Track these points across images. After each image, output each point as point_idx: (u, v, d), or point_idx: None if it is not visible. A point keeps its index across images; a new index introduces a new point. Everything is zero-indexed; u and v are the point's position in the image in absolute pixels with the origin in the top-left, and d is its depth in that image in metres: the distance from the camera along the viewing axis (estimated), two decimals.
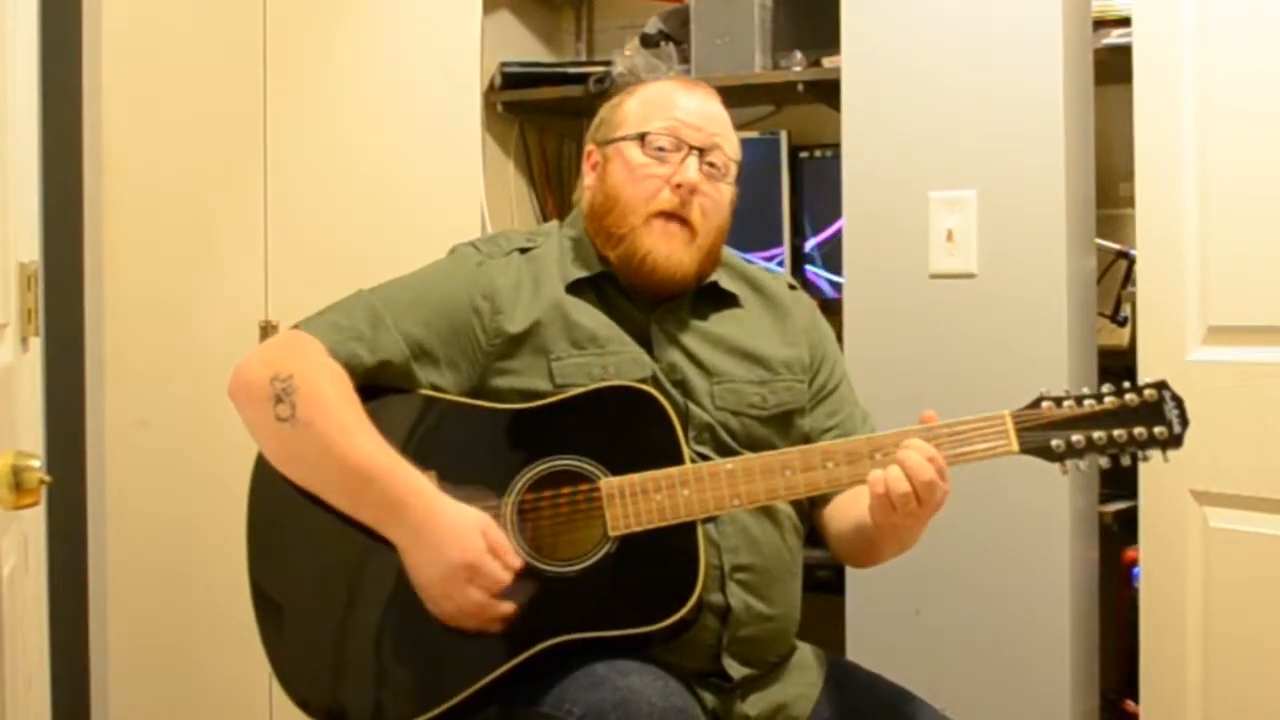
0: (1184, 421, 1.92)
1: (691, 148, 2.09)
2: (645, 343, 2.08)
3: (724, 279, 2.17)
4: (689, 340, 2.11)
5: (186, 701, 3.35)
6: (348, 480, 1.95)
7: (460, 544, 1.89)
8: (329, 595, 2.01)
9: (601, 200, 2.12)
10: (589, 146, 2.20)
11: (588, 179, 2.18)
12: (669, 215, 2.08)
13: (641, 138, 2.10)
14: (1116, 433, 1.91)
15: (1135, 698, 2.67)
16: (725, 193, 2.14)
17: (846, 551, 2.15)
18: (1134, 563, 2.74)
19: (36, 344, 2.33)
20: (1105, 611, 2.84)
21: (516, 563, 1.91)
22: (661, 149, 2.09)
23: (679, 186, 2.07)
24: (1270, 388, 2.41)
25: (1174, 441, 1.92)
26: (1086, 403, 1.92)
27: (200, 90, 3.35)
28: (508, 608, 1.90)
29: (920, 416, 1.94)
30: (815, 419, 2.18)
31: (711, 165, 2.11)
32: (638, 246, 2.07)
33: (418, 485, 1.93)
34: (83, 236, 3.20)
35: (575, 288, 2.09)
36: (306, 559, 2.04)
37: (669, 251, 2.07)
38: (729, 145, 2.15)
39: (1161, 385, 1.93)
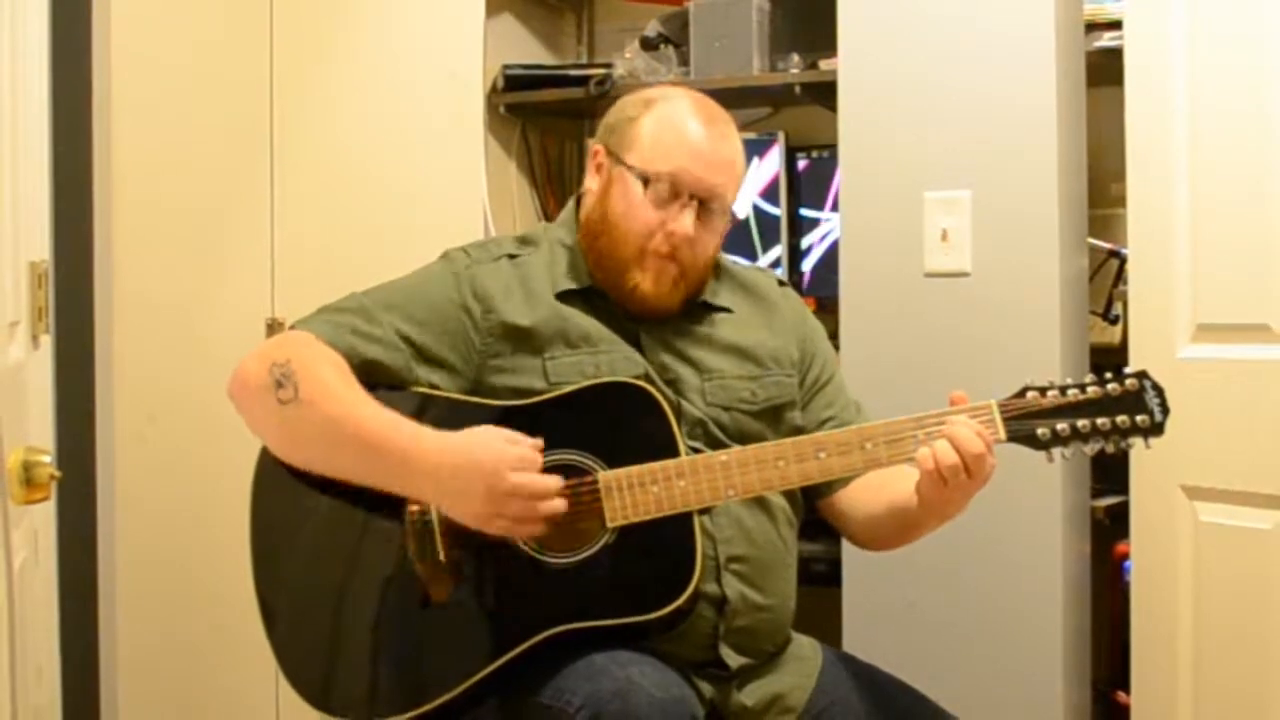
0: (1165, 410, 1.94)
1: (692, 197, 2.08)
2: (636, 346, 2.10)
3: (713, 290, 2.19)
4: (679, 341, 2.13)
5: (194, 694, 3.36)
6: (359, 448, 1.96)
7: (480, 460, 1.89)
8: (332, 590, 2.03)
9: (599, 219, 2.12)
10: (596, 145, 2.17)
11: (591, 180, 2.17)
12: (659, 254, 2.08)
13: (644, 182, 2.07)
14: (1100, 421, 1.93)
15: (1126, 689, 2.69)
16: (719, 227, 2.13)
17: (874, 534, 2.17)
18: (1125, 557, 2.75)
19: (47, 341, 2.35)
20: (1097, 604, 2.86)
21: (539, 441, 1.92)
22: (661, 195, 2.07)
23: (671, 233, 2.07)
24: (1259, 384, 2.43)
25: (1155, 429, 1.94)
26: (1070, 392, 1.95)
27: (208, 92, 3.36)
28: (556, 484, 1.90)
29: (950, 398, 1.98)
30: (812, 412, 2.20)
31: (709, 210, 2.10)
32: (627, 279, 2.09)
33: (425, 433, 1.94)
34: (92, 236, 3.19)
35: (564, 297, 2.11)
36: (309, 555, 2.05)
37: (656, 288, 2.09)
38: (731, 189, 2.12)
39: (1142, 375, 1.95)
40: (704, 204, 2.08)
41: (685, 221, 2.06)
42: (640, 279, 2.08)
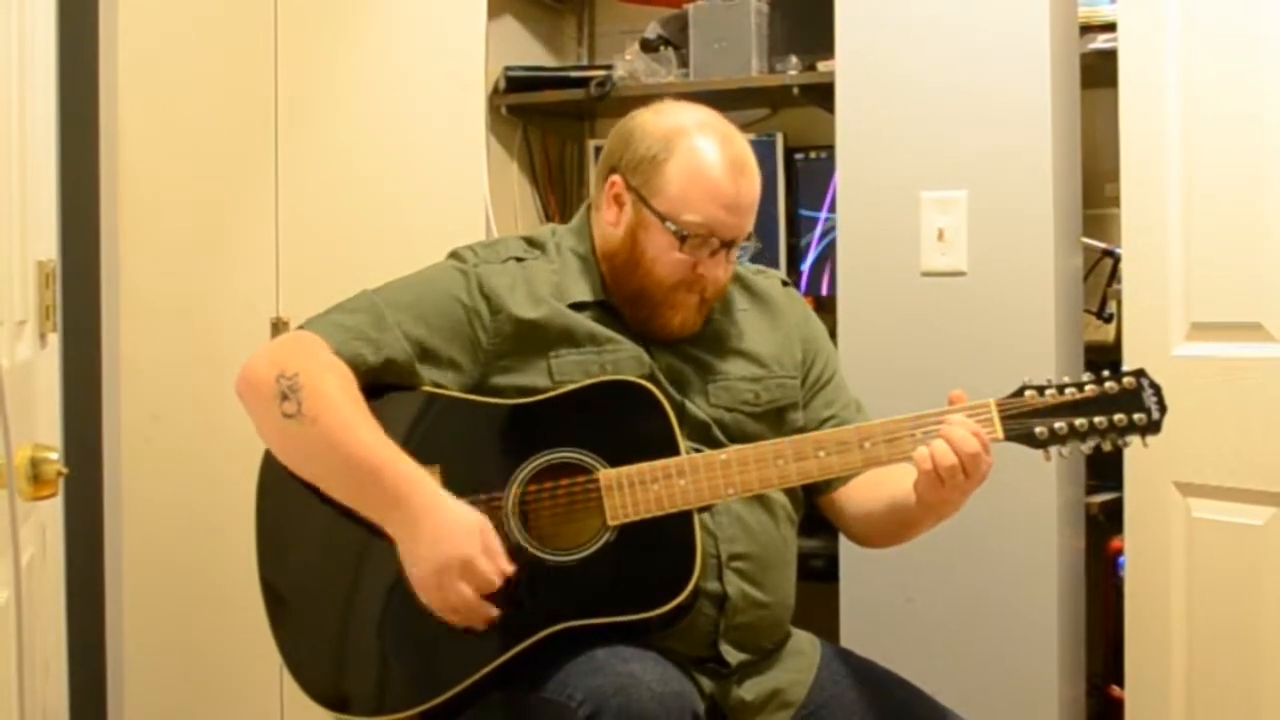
0: (1162, 408, 1.95)
1: (723, 243, 2.08)
2: (643, 346, 2.11)
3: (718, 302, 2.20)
4: (685, 344, 2.14)
5: (200, 687, 3.38)
6: (352, 474, 1.98)
7: (457, 540, 1.92)
8: (336, 586, 2.04)
9: (625, 261, 2.11)
10: (613, 176, 2.12)
11: (608, 211, 2.13)
12: (689, 292, 2.09)
13: (681, 239, 2.05)
14: (1098, 419, 1.94)
15: (1120, 683, 2.70)
16: (737, 254, 2.15)
17: (872, 530, 2.18)
18: (1119, 552, 2.76)
19: (54, 340, 2.37)
20: (1092, 599, 2.87)
21: (509, 568, 1.93)
22: (695, 241, 2.06)
23: (702, 276, 2.08)
24: (1251, 382, 2.44)
25: (1153, 428, 1.95)
26: (1068, 391, 1.95)
27: (213, 94, 3.38)
28: (493, 611, 1.93)
29: (950, 396, 1.99)
30: (813, 410, 2.21)
31: (735, 246, 2.11)
32: (654, 314, 2.10)
33: (420, 480, 1.96)
34: (99, 236, 3.21)
35: (575, 306, 2.11)
36: (314, 551, 2.07)
37: (683, 319, 2.11)
38: (752, 221, 2.12)
39: (1140, 373, 1.96)
40: (731, 247, 2.10)
41: (719, 270, 2.09)
42: (670, 316, 2.10)
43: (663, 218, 2.06)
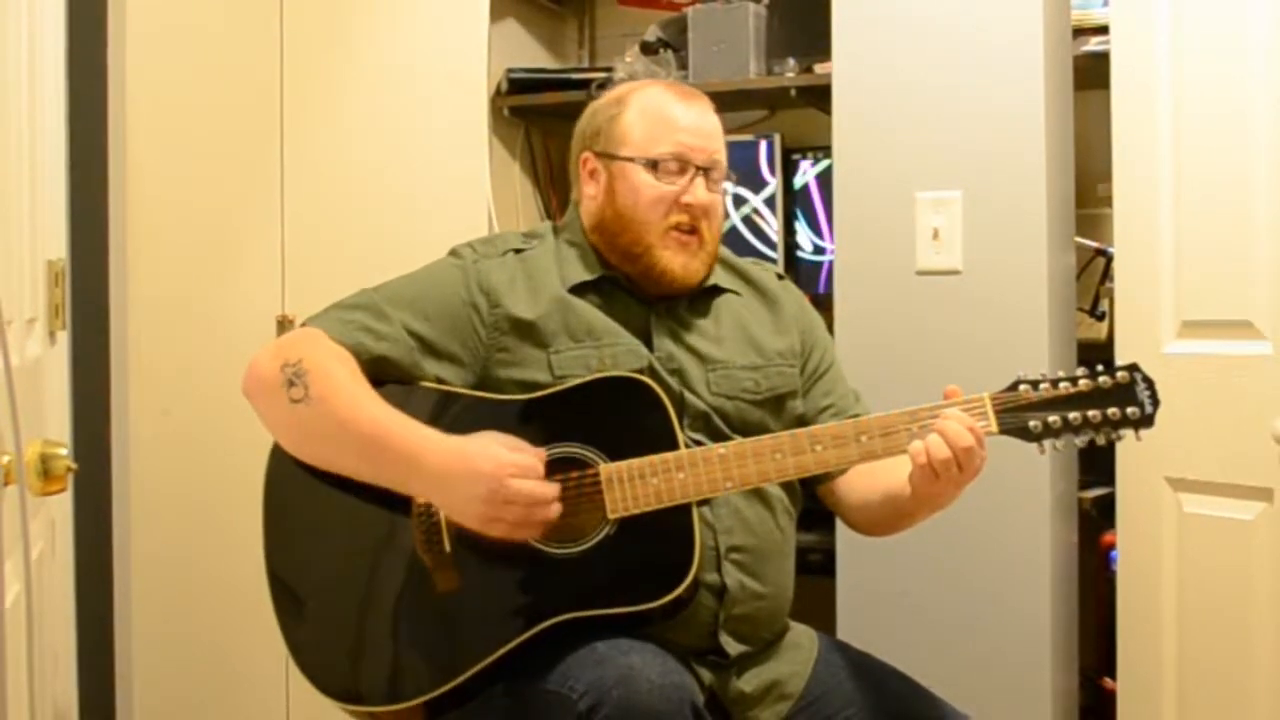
0: (1155, 402, 1.95)
1: (698, 169, 2.15)
2: (644, 335, 2.13)
3: (719, 277, 2.23)
4: (686, 332, 2.16)
5: (209, 680, 3.39)
6: (366, 446, 2.00)
7: (480, 464, 1.93)
8: (343, 580, 2.06)
9: (612, 218, 2.16)
10: (584, 154, 2.22)
11: (588, 188, 2.20)
12: (681, 229, 2.14)
13: (653, 166, 2.14)
14: (1091, 413, 1.95)
15: (1113, 675, 2.72)
16: (721, 192, 2.20)
17: (869, 519, 2.20)
18: (1112, 546, 2.78)
19: (64, 337, 2.39)
20: (1084, 593, 2.89)
21: (539, 452, 1.97)
22: (669, 172, 2.14)
23: (689, 205, 2.13)
24: (1241, 379, 2.46)
25: (1145, 421, 1.95)
26: (1062, 385, 1.96)
27: (220, 95, 3.39)
28: (553, 495, 1.95)
29: (945, 391, 2.01)
30: (812, 399, 2.24)
31: (712, 179, 2.16)
32: (655, 261, 2.13)
33: (429, 437, 1.98)
34: (108, 235, 3.19)
35: (576, 289, 2.14)
36: (321, 545, 2.09)
37: (684, 262, 2.14)
38: (723, 154, 2.20)
39: (1133, 368, 1.96)
40: (707, 173, 2.15)
41: (699, 191, 2.14)
42: (668, 260, 2.13)
43: (632, 159, 2.14)
